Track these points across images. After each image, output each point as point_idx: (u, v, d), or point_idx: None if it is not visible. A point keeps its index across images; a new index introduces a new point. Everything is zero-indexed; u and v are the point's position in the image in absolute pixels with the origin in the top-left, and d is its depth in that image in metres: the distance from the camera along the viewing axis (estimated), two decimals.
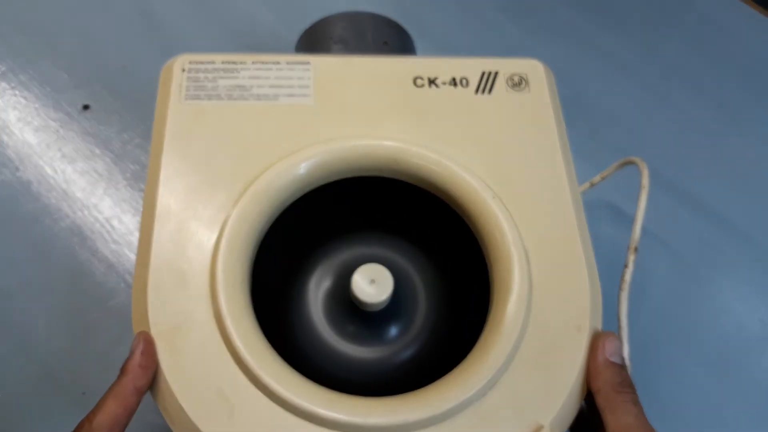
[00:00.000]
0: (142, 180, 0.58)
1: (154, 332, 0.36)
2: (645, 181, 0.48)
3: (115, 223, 0.56)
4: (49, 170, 0.59)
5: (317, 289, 0.46)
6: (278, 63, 0.43)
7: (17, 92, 0.63)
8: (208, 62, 0.43)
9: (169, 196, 0.39)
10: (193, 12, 0.68)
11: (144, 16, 0.68)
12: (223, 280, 0.37)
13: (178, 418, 0.35)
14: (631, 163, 0.50)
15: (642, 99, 0.68)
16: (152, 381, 0.36)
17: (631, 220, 0.48)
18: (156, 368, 0.35)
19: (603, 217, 0.60)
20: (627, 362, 0.38)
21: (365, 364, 0.44)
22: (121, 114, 0.62)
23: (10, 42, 0.66)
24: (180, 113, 0.41)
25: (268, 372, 0.35)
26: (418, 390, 0.36)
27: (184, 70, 0.42)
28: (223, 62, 0.43)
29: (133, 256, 0.55)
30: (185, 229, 0.38)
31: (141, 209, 0.56)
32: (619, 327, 0.45)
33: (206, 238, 0.38)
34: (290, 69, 0.43)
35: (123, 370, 0.35)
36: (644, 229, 0.47)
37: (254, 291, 0.39)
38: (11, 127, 0.61)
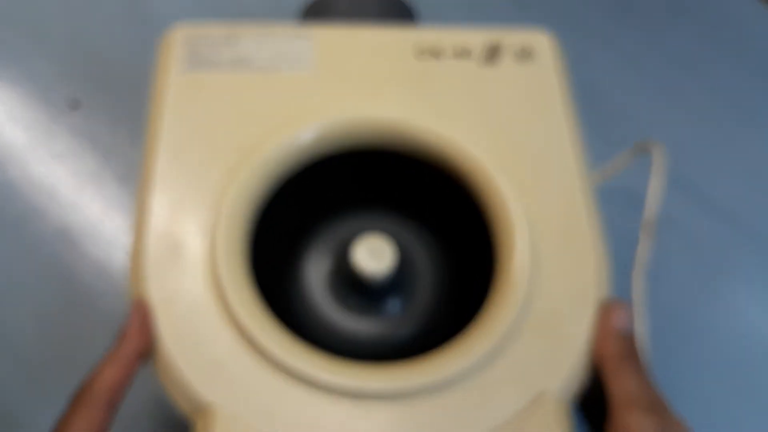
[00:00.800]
0: (134, 178, 0.58)
1: (152, 300, 0.36)
2: (658, 159, 0.48)
3: (105, 223, 0.56)
4: (37, 169, 0.59)
5: (319, 264, 0.46)
6: (279, 34, 0.44)
7: (4, 89, 0.63)
8: (209, 33, 0.43)
9: (168, 165, 0.39)
10: (185, 4, 0.69)
11: (134, 10, 0.69)
12: (223, 248, 0.37)
13: (176, 385, 0.35)
14: (644, 149, 0.51)
15: (654, 94, 0.68)
16: (151, 347, 0.36)
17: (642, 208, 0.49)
18: (153, 334, 0.35)
19: (619, 207, 0.60)
20: (641, 338, 0.38)
21: (367, 339, 0.44)
22: (112, 111, 0.62)
23: None
24: (179, 84, 0.41)
25: (268, 338, 0.35)
26: (421, 357, 0.36)
27: (183, 41, 0.43)
28: (223, 33, 0.43)
29: (123, 257, 0.55)
30: (184, 198, 0.38)
31: (133, 208, 0.56)
32: (632, 305, 0.45)
33: (205, 207, 0.38)
34: (292, 40, 0.44)
35: (120, 335, 0.35)
36: (655, 231, 0.48)
37: (255, 265, 0.39)
38: None
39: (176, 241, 0.37)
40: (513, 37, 0.45)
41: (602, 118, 0.65)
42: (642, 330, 0.43)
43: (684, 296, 0.56)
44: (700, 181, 0.63)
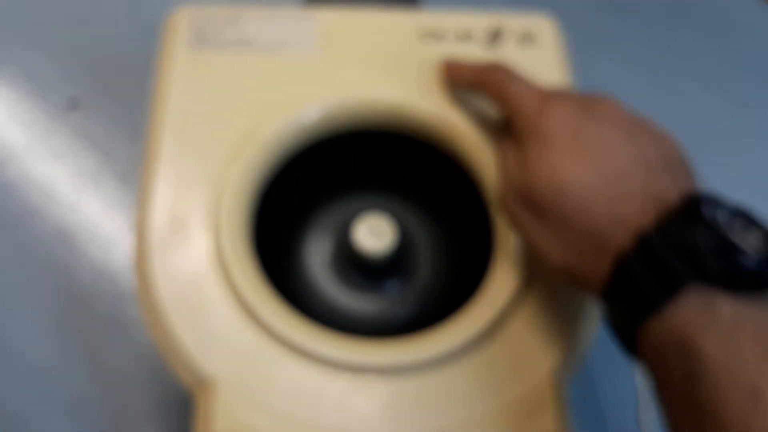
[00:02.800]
0: (133, 177, 0.59)
1: (156, 275, 0.38)
2: None
3: (104, 222, 0.57)
4: (36, 168, 0.59)
5: (321, 243, 0.48)
6: (283, 16, 0.46)
7: (3, 88, 0.64)
8: (213, 15, 0.45)
9: (172, 144, 0.41)
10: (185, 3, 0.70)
11: (132, 8, 0.70)
12: (226, 224, 0.39)
13: (179, 358, 0.36)
14: None
15: (654, 95, 0.69)
16: None
17: None
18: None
19: None
20: None
21: (367, 316, 0.46)
22: (111, 110, 0.63)
23: None
24: (184, 64, 0.43)
25: (269, 312, 0.37)
26: (419, 334, 0.38)
27: (188, 22, 0.45)
28: (227, 15, 0.45)
29: (122, 258, 0.56)
30: (189, 175, 0.40)
31: (131, 208, 0.57)
32: None
33: (209, 184, 0.40)
34: (295, 22, 0.45)
35: None
36: None
37: (259, 243, 0.41)
38: None
39: (180, 217, 0.39)
40: (515, 22, 0.46)
41: None
42: None
43: None
44: (700, 179, 0.64)
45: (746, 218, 0.29)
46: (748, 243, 0.28)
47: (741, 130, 0.68)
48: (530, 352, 0.37)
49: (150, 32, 0.66)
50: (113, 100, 0.64)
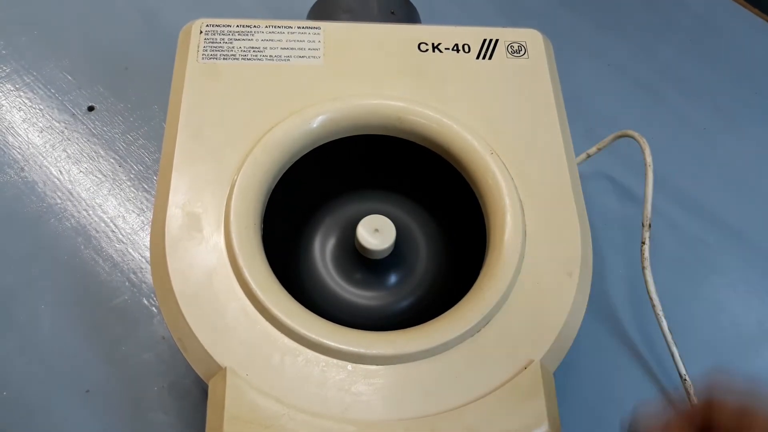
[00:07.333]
0: (146, 180, 0.61)
1: (171, 270, 0.39)
2: (648, 158, 0.51)
3: (119, 222, 0.59)
4: (54, 170, 0.61)
5: (325, 241, 0.50)
6: (290, 27, 0.48)
7: (22, 94, 0.66)
8: (225, 25, 0.47)
9: (186, 147, 0.43)
10: (194, 13, 0.69)
11: (145, 18, 0.72)
12: (236, 221, 0.40)
13: (192, 350, 0.38)
14: (627, 136, 0.54)
15: (638, 100, 0.71)
16: None
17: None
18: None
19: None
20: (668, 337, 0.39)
21: (369, 309, 0.47)
22: (125, 115, 0.65)
23: (15, 44, 0.69)
24: (197, 71, 0.45)
25: (278, 306, 0.38)
26: (417, 326, 0.39)
27: (201, 32, 0.46)
28: (238, 25, 0.47)
29: (137, 255, 0.57)
30: (201, 176, 0.42)
31: (145, 209, 0.59)
32: (652, 305, 0.47)
33: (221, 184, 0.42)
34: (302, 33, 0.47)
35: None
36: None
37: (268, 241, 0.42)
38: (16, 128, 0.63)
39: (194, 215, 0.41)
40: (508, 35, 0.49)
41: (587, 123, 0.68)
42: (666, 326, 0.45)
43: (665, 291, 0.56)
44: (682, 182, 0.66)
45: None
46: None
47: (720, 134, 0.70)
48: (521, 342, 0.39)
49: (163, 42, 0.68)
50: (127, 106, 0.65)
